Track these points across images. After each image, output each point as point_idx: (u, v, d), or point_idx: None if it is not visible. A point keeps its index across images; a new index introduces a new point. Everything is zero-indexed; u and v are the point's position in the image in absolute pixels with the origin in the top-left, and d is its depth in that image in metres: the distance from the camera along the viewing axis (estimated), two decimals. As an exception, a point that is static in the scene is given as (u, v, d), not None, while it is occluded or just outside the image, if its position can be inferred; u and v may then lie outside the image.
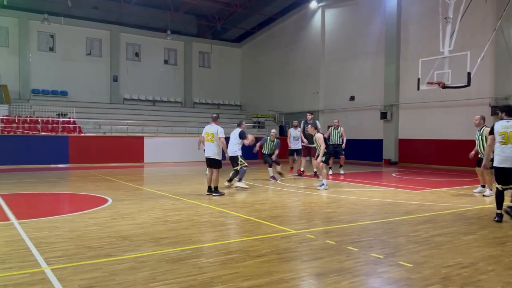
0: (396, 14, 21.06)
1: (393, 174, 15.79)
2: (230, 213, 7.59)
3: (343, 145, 14.67)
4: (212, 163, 9.78)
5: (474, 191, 10.29)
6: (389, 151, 21.43)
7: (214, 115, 10.16)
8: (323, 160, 10.86)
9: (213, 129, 9.72)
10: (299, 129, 14.51)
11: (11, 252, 4.93)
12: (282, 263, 4.64)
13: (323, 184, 10.79)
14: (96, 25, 27.46)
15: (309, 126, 11.79)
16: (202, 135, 9.95)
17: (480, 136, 9.64)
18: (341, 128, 14.84)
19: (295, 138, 14.36)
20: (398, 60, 21.14)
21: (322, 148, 10.78)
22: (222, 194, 9.70)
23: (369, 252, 5.05)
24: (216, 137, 9.64)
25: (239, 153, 10.89)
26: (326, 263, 4.64)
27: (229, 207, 8.21)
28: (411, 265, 4.55)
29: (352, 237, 5.85)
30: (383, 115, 21.38)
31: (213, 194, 9.68)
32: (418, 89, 15.31)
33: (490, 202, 8.66)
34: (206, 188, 9.88)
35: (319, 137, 10.98)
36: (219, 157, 9.77)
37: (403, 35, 20.99)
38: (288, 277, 4.20)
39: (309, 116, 14.74)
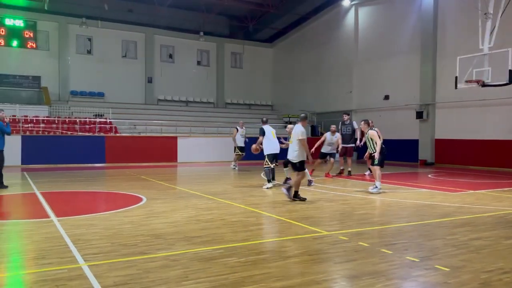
0: (433, 10, 20.47)
1: (429, 175, 15.35)
2: (262, 213, 7.58)
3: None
4: (293, 166, 9.21)
5: None
6: (425, 152, 20.88)
7: (302, 115, 9.68)
8: (377, 162, 10.24)
9: (294, 130, 9.18)
10: (337, 134, 13.90)
11: (50, 248, 5.11)
12: (314, 265, 4.59)
13: (376, 187, 10.16)
14: (132, 28, 28.12)
15: (362, 123, 10.83)
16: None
17: None
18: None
19: (329, 144, 13.76)
20: (434, 58, 20.55)
21: (378, 144, 10.13)
22: (303, 200, 8.86)
23: (404, 255, 4.93)
24: (294, 138, 9.05)
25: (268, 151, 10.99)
26: (359, 265, 4.55)
27: (260, 207, 8.21)
28: (448, 269, 4.40)
29: (386, 240, 5.73)
30: (419, 115, 20.84)
31: (294, 198, 8.87)
32: (456, 87, 14.82)
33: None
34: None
35: (373, 134, 10.37)
36: (296, 159, 9.01)
37: (440, 32, 20.39)
38: (320, 278, 4.15)
39: (345, 117, 15.04)
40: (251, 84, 32.22)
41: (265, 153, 11.14)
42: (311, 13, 28.34)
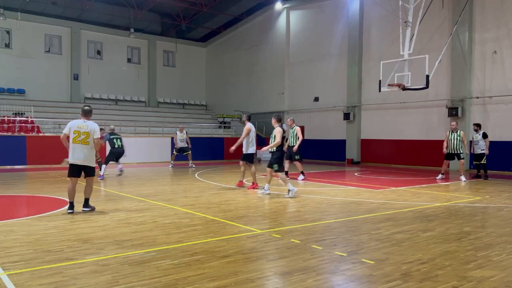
0: (359, 17, 21.54)
1: (356, 174, 16.13)
2: (196, 214, 7.53)
3: (295, 147, 12.77)
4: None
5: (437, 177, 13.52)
6: (352, 151, 21.90)
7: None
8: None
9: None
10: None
11: (-36, 258, 4.69)
12: (248, 263, 4.65)
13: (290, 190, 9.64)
14: (56, 22, 26.53)
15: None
16: None
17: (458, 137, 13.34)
18: (296, 127, 13.12)
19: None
20: (360, 62, 21.63)
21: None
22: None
23: (333, 250, 5.15)
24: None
25: None
26: (291, 262, 4.69)
27: (194, 207, 8.15)
28: (373, 262, 4.67)
29: (316, 236, 5.94)
30: (346, 116, 21.82)
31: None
32: (380, 90, 15.73)
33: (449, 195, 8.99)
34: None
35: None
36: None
37: (365, 38, 21.51)
38: (254, 276, 4.21)
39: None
40: (184, 83, 31.79)
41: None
42: (244, 14, 28.58)
